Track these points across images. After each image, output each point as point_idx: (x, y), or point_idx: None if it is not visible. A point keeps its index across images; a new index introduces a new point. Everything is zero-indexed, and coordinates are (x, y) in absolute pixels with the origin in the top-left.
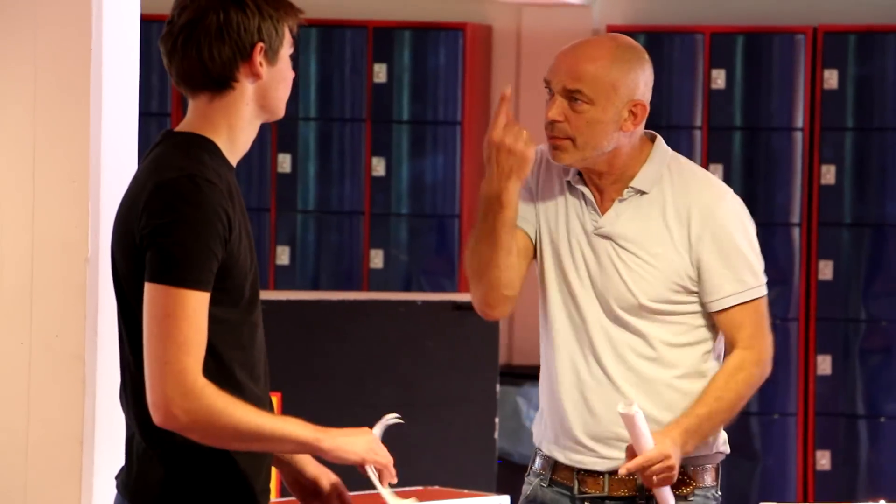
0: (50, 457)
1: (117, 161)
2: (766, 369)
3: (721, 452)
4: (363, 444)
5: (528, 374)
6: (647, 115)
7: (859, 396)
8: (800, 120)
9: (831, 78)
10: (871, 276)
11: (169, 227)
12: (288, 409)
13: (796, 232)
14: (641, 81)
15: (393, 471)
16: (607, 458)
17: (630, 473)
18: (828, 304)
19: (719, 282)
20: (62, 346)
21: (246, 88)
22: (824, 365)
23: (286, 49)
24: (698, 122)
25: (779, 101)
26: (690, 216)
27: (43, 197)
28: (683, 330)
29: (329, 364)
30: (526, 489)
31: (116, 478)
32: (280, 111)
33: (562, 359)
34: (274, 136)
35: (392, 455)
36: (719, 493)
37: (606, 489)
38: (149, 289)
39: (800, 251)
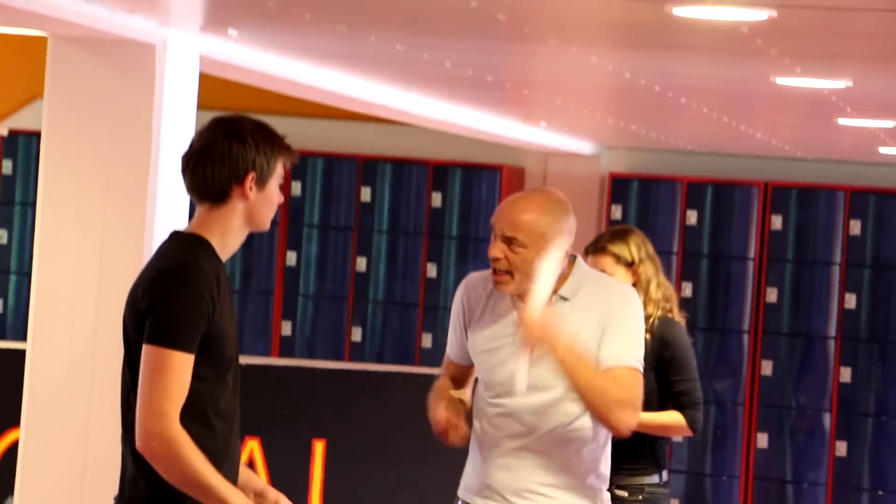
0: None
1: None
2: (620, 413)
3: None
4: None
5: None
6: (567, 252)
7: (788, 466)
8: (752, 251)
9: (777, 221)
10: (802, 373)
11: (165, 302)
12: (331, 454)
13: (745, 337)
14: (565, 229)
15: None
16: None
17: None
18: (767, 393)
19: (609, 346)
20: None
21: (237, 205)
22: (762, 441)
23: (275, 179)
24: (675, 248)
25: (737, 236)
26: (602, 310)
27: (108, 271)
28: (584, 420)
29: (369, 419)
30: None
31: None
32: (264, 226)
33: (487, 426)
34: (354, 242)
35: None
36: None
37: None
38: (146, 349)
39: (747, 352)
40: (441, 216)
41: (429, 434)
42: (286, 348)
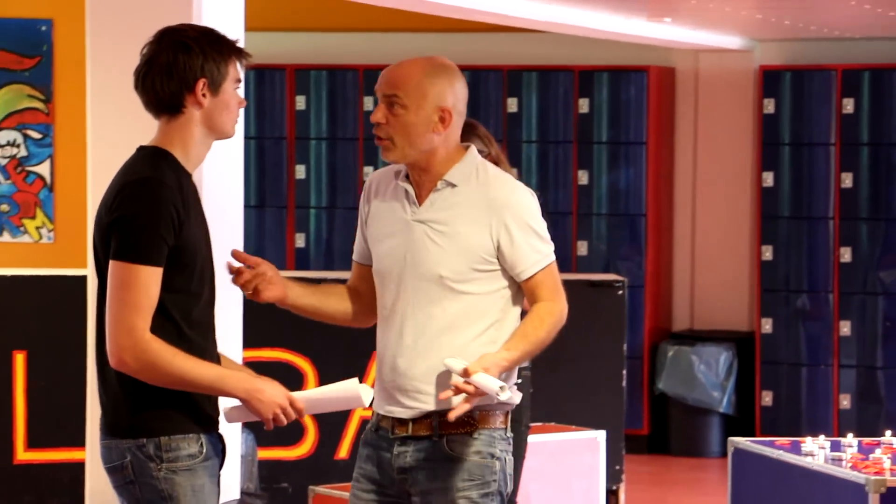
0: None
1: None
2: (563, 317)
3: (506, 404)
4: (278, 398)
5: (703, 337)
6: (455, 121)
7: None
8: None
9: None
10: None
11: (128, 216)
12: None
13: None
14: (449, 92)
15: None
16: (409, 407)
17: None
18: None
19: (521, 256)
20: None
21: (193, 114)
22: None
23: (229, 83)
24: (832, 139)
25: None
26: (491, 206)
27: None
28: (471, 306)
29: None
30: (364, 434)
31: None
32: (228, 132)
33: (383, 329)
34: (504, 154)
35: (542, 399)
36: (509, 433)
37: (410, 431)
38: (112, 265)
39: None
40: (589, 122)
41: None
42: None
